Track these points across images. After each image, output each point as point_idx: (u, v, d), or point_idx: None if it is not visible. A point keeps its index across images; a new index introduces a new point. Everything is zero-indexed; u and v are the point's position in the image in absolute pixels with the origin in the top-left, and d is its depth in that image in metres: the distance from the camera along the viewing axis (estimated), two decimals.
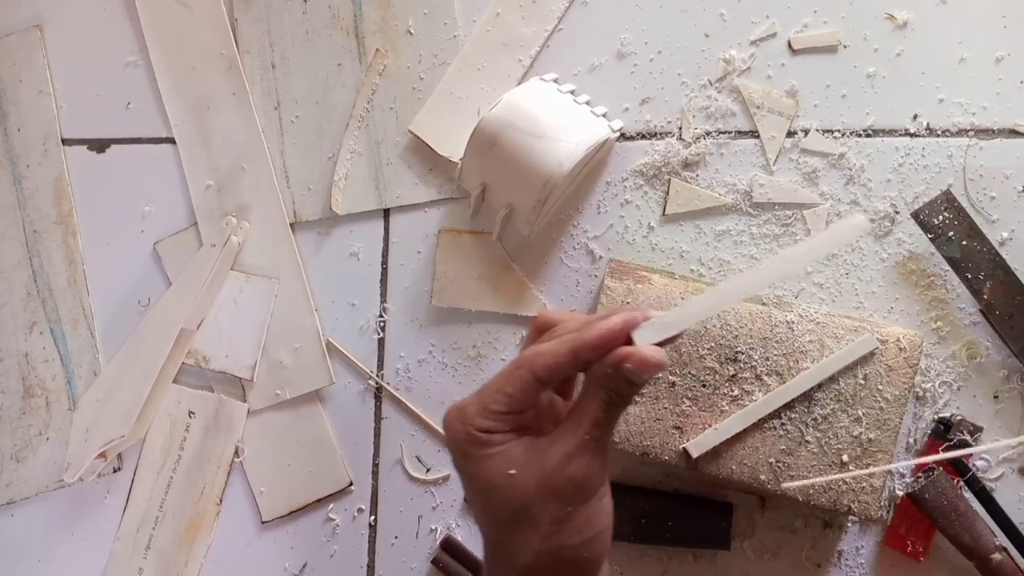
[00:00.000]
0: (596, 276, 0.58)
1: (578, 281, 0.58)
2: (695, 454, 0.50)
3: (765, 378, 0.51)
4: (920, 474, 0.53)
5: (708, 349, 0.52)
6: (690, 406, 0.51)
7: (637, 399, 0.52)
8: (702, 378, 0.52)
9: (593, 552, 0.40)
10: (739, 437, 0.51)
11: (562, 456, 0.39)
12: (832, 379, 0.51)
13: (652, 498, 0.55)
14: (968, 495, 0.52)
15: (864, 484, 0.50)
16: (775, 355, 0.51)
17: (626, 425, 0.52)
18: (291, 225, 0.61)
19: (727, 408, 0.51)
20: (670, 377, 0.52)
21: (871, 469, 0.50)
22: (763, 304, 0.53)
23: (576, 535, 0.39)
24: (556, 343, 0.40)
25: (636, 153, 0.58)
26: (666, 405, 0.52)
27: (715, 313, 0.40)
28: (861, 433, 0.50)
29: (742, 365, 0.51)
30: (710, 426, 0.51)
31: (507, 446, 0.40)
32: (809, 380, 0.50)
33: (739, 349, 0.51)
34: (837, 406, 0.50)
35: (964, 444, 0.52)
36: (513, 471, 0.39)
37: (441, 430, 0.58)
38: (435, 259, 0.59)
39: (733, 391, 0.51)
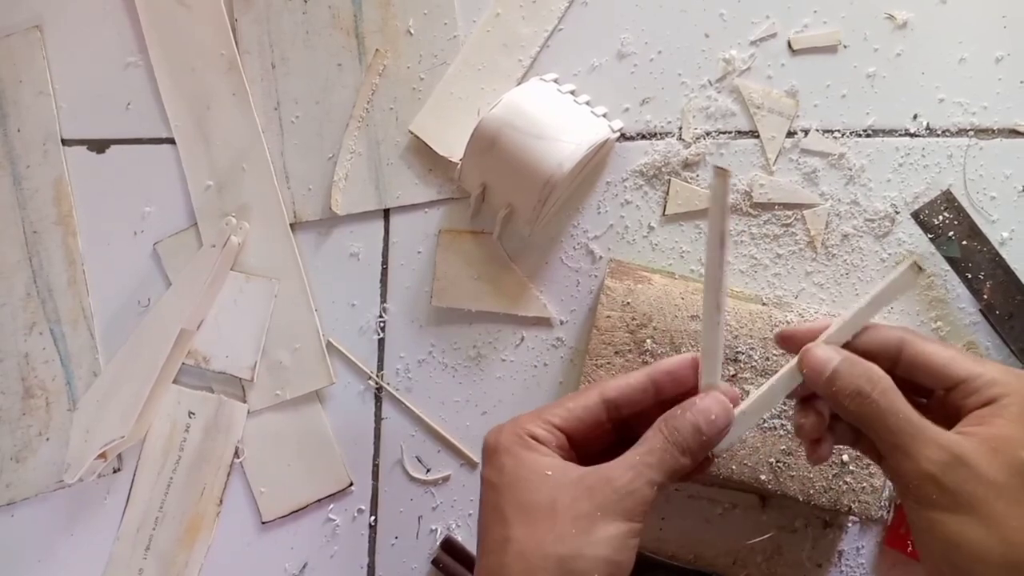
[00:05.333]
0: (596, 276, 0.58)
1: (578, 281, 0.58)
2: None
3: (766, 378, 0.51)
4: None
5: None
6: None
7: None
8: None
9: None
10: (740, 437, 0.51)
11: (608, 468, 0.37)
12: None
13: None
14: None
15: (865, 484, 0.50)
16: (776, 355, 0.51)
17: None
18: (291, 225, 0.61)
19: None
20: None
21: None
22: (763, 304, 0.53)
23: (595, 547, 0.35)
24: (625, 373, 0.41)
25: (636, 153, 0.58)
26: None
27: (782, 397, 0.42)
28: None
29: (742, 365, 0.51)
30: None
31: (550, 456, 0.39)
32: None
33: (739, 349, 0.51)
34: None
35: None
36: (549, 472, 0.38)
37: (442, 430, 0.58)
38: (435, 259, 0.59)
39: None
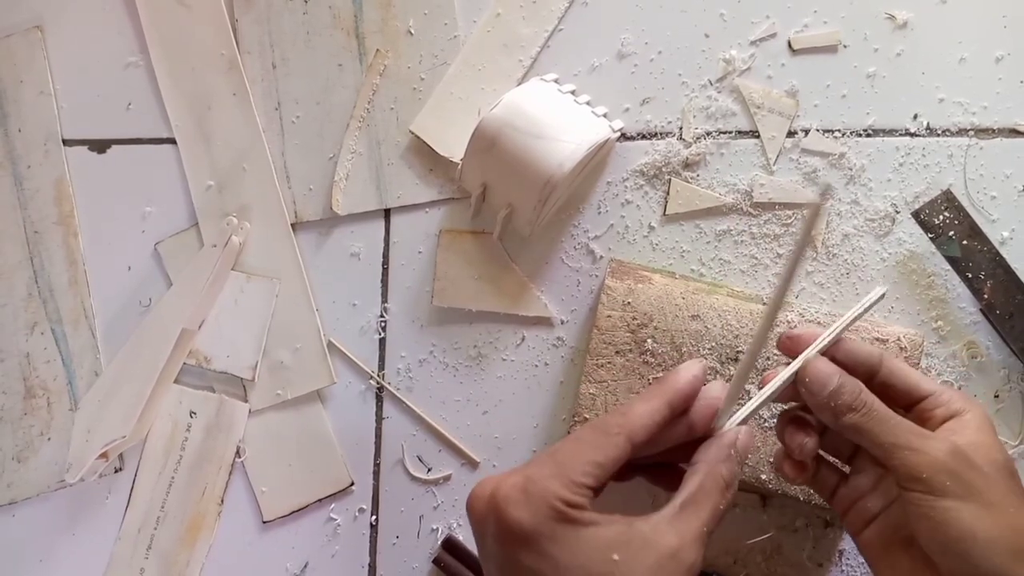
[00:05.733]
0: (597, 276, 0.58)
1: (579, 281, 0.58)
2: None
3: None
4: None
5: (709, 349, 0.52)
6: None
7: None
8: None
9: None
10: None
11: (678, 542, 0.34)
12: None
13: None
14: None
15: None
16: (776, 355, 0.51)
17: None
18: (292, 225, 0.61)
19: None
20: None
21: None
22: (764, 304, 0.53)
23: None
24: (641, 403, 0.38)
25: (637, 153, 0.58)
26: None
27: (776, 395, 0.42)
28: None
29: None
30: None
31: (602, 526, 0.34)
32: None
33: (740, 349, 0.52)
34: None
35: None
36: (616, 556, 0.33)
37: (443, 430, 0.58)
38: (436, 259, 0.59)
39: None
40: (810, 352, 0.41)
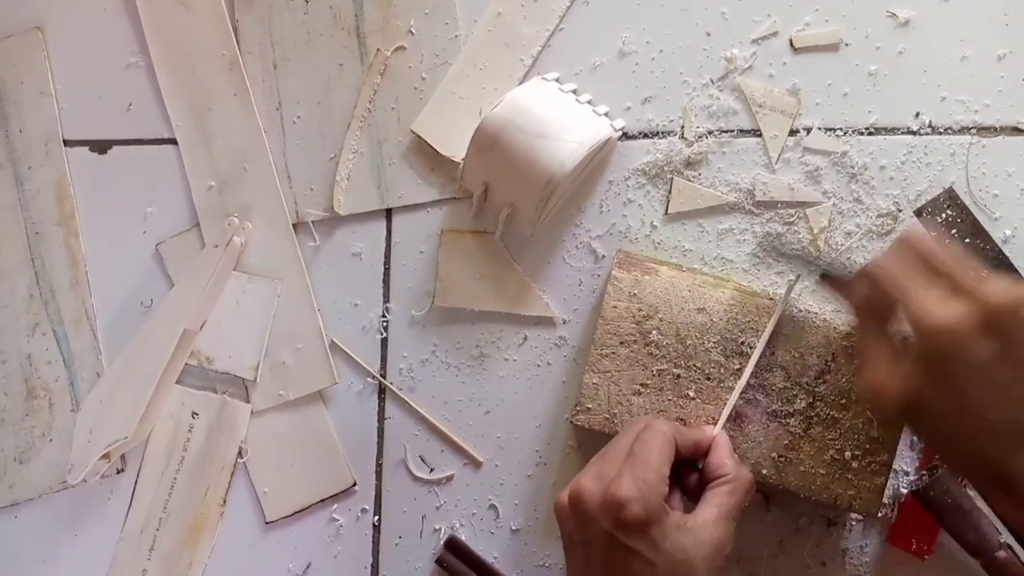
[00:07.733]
0: (599, 275, 0.58)
1: (581, 280, 0.58)
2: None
3: (768, 373, 0.51)
4: (924, 472, 0.53)
5: (714, 342, 0.52)
6: (694, 398, 0.52)
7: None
8: (707, 371, 0.52)
9: None
10: (741, 430, 0.51)
11: (721, 535, 0.44)
12: (838, 376, 0.51)
13: None
14: (972, 493, 0.52)
15: (867, 482, 0.50)
16: (781, 351, 0.51)
17: (629, 416, 0.52)
18: (293, 225, 0.61)
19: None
20: (674, 370, 0.52)
21: None
22: (770, 299, 0.53)
23: None
24: (684, 432, 0.48)
25: (638, 152, 0.58)
26: (670, 397, 0.52)
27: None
28: (865, 430, 0.50)
29: (747, 359, 0.51)
30: (713, 420, 0.51)
31: (671, 516, 0.43)
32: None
33: (744, 342, 0.51)
34: (842, 403, 0.50)
35: None
36: (687, 553, 0.43)
37: (445, 430, 0.58)
38: (438, 259, 0.59)
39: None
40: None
